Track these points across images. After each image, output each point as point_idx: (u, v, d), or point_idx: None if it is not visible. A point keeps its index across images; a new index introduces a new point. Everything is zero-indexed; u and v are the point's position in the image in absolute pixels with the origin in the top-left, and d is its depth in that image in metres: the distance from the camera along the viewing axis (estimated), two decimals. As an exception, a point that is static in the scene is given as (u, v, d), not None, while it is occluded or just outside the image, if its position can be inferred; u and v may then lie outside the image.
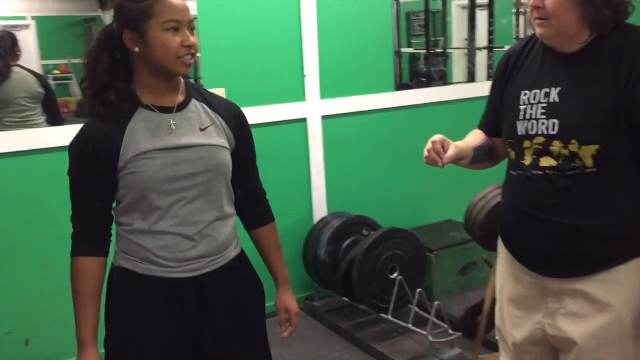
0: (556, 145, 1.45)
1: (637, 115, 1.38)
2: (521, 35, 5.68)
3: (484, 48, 5.07)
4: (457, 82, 5.33)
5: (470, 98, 3.82)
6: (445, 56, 5.48)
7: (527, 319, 1.62)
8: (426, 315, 2.95)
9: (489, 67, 4.98)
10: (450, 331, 2.83)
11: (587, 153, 1.42)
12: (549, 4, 1.41)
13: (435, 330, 2.84)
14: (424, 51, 5.11)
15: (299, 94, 3.25)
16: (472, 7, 5.28)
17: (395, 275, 3.02)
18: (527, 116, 1.51)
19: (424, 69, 4.99)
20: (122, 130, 1.43)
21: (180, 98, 1.50)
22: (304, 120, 3.27)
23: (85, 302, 1.46)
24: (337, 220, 3.21)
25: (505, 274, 1.69)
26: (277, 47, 3.15)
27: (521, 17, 5.48)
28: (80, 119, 3.03)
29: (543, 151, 1.48)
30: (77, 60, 3.23)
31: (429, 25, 5.35)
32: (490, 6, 4.86)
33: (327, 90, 3.32)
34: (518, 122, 1.53)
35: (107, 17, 3.07)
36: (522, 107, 1.53)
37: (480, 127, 1.76)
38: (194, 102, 1.52)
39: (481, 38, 5.20)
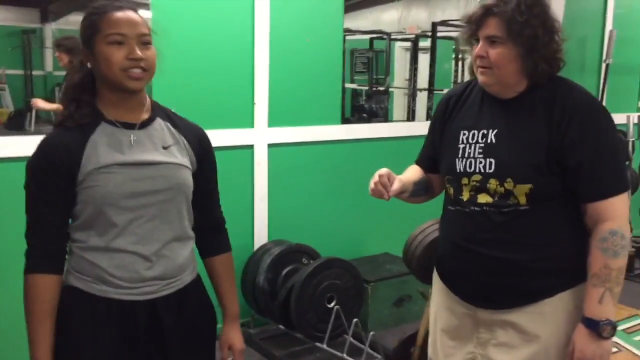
0: (493, 183, 1.55)
1: (567, 158, 1.49)
2: (459, 80, 5.96)
3: (425, 90, 5.27)
4: (397, 120, 5.51)
5: (411, 136, 3.96)
6: (387, 94, 5.68)
7: (460, 349, 1.69)
8: (361, 345, 3.00)
9: (429, 107, 5.18)
10: (384, 362, 2.89)
11: (522, 191, 1.51)
12: (492, 55, 1.52)
13: (369, 361, 2.90)
14: (366, 88, 5.28)
15: (247, 121, 3.28)
16: (415, 50, 5.50)
17: (332, 304, 3.05)
18: (466, 155, 1.60)
19: (365, 105, 5.15)
20: (83, 142, 1.41)
21: (145, 115, 1.50)
22: (251, 147, 3.30)
23: (41, 321, 1.41)
24: (278, 248, 3.24)
25: (439, 306, 1.76)
26: (229, 74, 3.18)
27: (460, 63, 5.75)
28: (10, 132, 2.98)
29: (480, 188, 1.57)
30: (12, 71, 3.15)
31: (373, 63, 5.55)
32: (432, 51, 5.07)
33: (275, 119, 3.37)
34: (457, 160, 1.62)
35: (48, 29, 3.04)
36: (461, 146, 1.62)
37: (418, 163, 1.84)
38: (158, 120, 1.52)
39: (422, 80, 5.42)
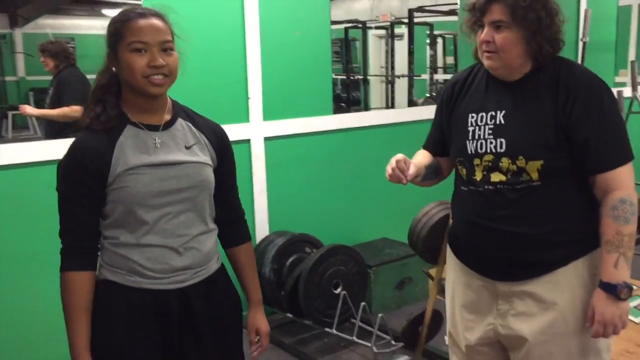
0: (505, 162, 1.62)
1: (574, 135, 1.57)
2: (438, 64, 6.06)
3: (404, 76, 5.34)
4: (376, 108, 5.59)
5: (401, 122, 4.06)
6: (366, 83, 5.74)
7: (480, 322, 1.76)
8: (369, 328, 3.08)
9: (410, 94, 5.26)
10: (393, 342, 2.97)
11: (533, 168, 1.59)
12: (498, 40, 1.59)
13: (379, 342, 2.98)
14: (343, 77, 5.34)
15: (243, 116, 3.33)
16: (392, 38, 5.57)
17: (339, 290, 3.13)
18: (476, 136, 1.68)
19: (343, 95, 5.21)
20: (112, 145, 1.47)
21: (167, 117, 1.56)
22: (247, 141, 3.35)
23: (78, 316, 1.47)
24: (281, 239, 3.30)
25: (456, 282, 1.84)
26: (223, 70, 3.23)
27: (437, 48, 5.84)
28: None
29: (493, 167, 1.64)
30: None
31: (351, 53, 5.60)
32: (410, 37, 5.13)
33: (270, 113, 3.42)
34: (468, 142, 1.69)
35: (18, 34, 3.04)
36: (470, 129, 1.69)
37: (426, 148, 1.91)
38: (180, 121, 1.58)
39: (398, 67, 5.49)
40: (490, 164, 1.65)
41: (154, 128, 1.53)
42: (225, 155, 1.66)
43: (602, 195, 1.60)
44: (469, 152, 1.69)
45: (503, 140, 1.63)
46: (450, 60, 6.40)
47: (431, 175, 1.85)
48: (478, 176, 1.67)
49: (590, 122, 1.57)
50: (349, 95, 5.59)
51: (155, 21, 1.47)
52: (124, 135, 1.49)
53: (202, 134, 1.60)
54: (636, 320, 3.45)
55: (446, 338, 1.96)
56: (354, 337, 3.01)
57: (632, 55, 6.00)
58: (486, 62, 1.65)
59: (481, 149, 1.66)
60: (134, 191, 1.47)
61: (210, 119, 1.68)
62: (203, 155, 1.58)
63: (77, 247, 1.49)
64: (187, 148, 1.55)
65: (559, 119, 1.58)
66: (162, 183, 1.49)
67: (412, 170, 1.65)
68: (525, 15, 1.56)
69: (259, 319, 1.75)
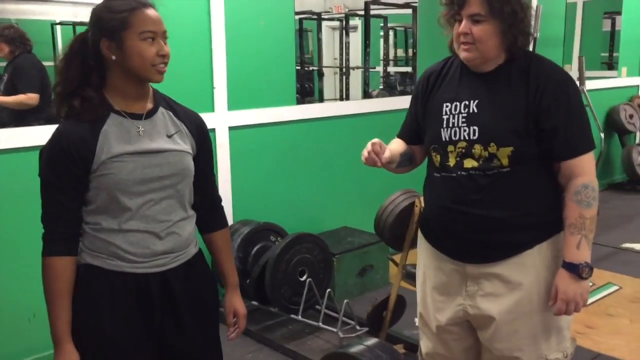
0: (477, 148, 1.71)
1: (543, 123, 1.68)
2: (390, 57, 6.16)
3: (359, 68, 5.41)
4: (330, 99, 5.65)
5: (364, 113, 4.13)
6: (321, 74, 5.80)
7: (450, 303, 1.85)
8: (334, 314, 3.16)
9: (366, 85, 5.34)
10: (358, 327, 3.06)
11: (504, 154, 1.69)
12: (476, 32, 1.68)
13: (344, 328, 3.05)
14: (297, 68, 5.38)
15: (208, 105, 3.34)
16: (346, 30, 5.63)
17: (304, 278, 3.19)
18: (450, 125, 1.76)
19: (297, 85, 5.26)
20: (96, 133, 1.49)
21: (149, 106, 1.59)
22: (212, 130, 3.35)
23: (60, 300, 1.50)
24: (246, 228, 3.33)
25: (428, 267, 1.92)
26: (188, 60, 3.22)
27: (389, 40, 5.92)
28: None
29: (465, 154, 1.73)
30: None
31: (304, 44, 5.64)
32: (366, 30, 5.20)
33: (235, 103, 3.44)
34: (442, 130, 1.77)
35: None
36: (445, 117, 1.77)
37: (401, 136, 1.99)
38: (161, 109, 1.61)
39: (352, 58, 5.56)
40: (463, 150, 1.73)
41: (137, 117, 1.55)
42: (204, 144, 1.70)
43: (566, 181, 1.70)
44: (443, 139, 1.77)
45: (476, 128, 1.72)
46: (400, 52, 6.54)
47: (405, 162, 1.93)
48: (451, 162, 1.75)
49: (558, 111, 1.67)
50: (302, 86, 5.65)
51: (157, 13, 1.52)
52: (108, 124, 1.51)
53: (183, 122, 1.63)
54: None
55: (416, 320, 2.05)
56: (320, 323, 3.08)
57: (577, 51, 6.27)
58: (462, 54, 1.73)
59: (455, 136, 1.74)
60: (118, 178, 1.49)
61: (189, 108, 1.71)
62: (184, 144, 1.61)
63: (60, 232, 1.51)
64: (169, 137, 1.59)
65: (529, 107, 1.68)
66: (145, 170, 1.53)
67: (386, 154, 1.73)
68: (502, 8, 1.65)
69: (236, 302, 1.80)
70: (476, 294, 1.80)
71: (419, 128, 1.90)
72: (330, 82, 5.80)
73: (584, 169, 1.68)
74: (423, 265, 1.95)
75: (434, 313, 1.90)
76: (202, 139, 1.68)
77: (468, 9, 1.67)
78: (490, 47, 1.69)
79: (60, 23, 3.29)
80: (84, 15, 2.91)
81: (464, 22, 1.69)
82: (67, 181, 1.48)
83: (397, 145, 1.93)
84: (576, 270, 1.67)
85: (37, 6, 3.47)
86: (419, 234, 1.98)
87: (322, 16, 5.78)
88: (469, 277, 1.80)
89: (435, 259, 1.88)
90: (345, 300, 3.05)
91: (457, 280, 1.83)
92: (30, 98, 3.03)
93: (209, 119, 3.31)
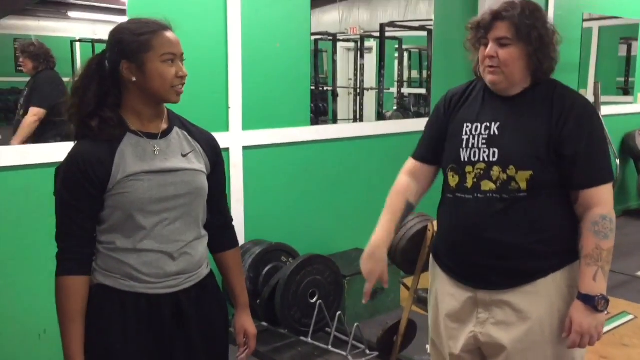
0: (496, 170, 1.70)
1: (564, 149, 1.67)
2: (404, 78, 6.18)
3: (373, 89, 5.43)
4: (343, 119, 5.67)
5: (378, 135, 4.14)
6: (335, 95, 5.83)
7: (462, 330, 1.83)
8: (344, 337, 3.13)
9: (380, 106, 5.35)
10: (368, 351, 3.03)
11: (523, 178, 1.67)
12: (502, 55, 1.68)
13: (354, 351, 3.03)
14: (312, 88, 5.40)
15: (222, 125, 3.36)
16: (361, 51, 5.66)
17: (315, 299, 3.17)
18: (470, 145, 1.75)
19: (311, 105, 5.28)
20: (112, 153, 1.51)
21: (164, 126, 1.60)
22: (226, 150, 3.37)
23: (74, 320, 1.50)
24: (258, 248, 3.32)
25: (441, 292, 1.89)
26: (204, 80, 3.25)
27: (404, 62, 5.94)
28: None
29: (484, 176, 1.71)
30: None
31: (318, 64, 5.68)
32: (381, 51, 5.23)
33: (249, 123, 3.46)
34: (462, 150, 1.76)
35: None
36: (464, 137, 1.77)
37: (416, 157, 1.95)
38: (176, 129, 1.62)
39: (366, 79, 5.58)
40: (481, 172, 1.72)
41: (152, 136, 1.57)
42: (218, 164, 1.71)
43: (584, 211, 1.69)
44: (462, 159, 1.75)
45: (496, 150, 1.71)
46: (415, 74, 6.56)
47: (404, 217, 1.93)
48: (469, 184, 1.74)
49: (580, 140, 1.66)
50: (317, 107, 5.68)
51: (174, 34, 1.55)
52: (124, 143, 1.53)
53: (197, 142, 1.65)
54: (599, 331, 3.57)
55: (428, 347, 2.02)
56: (329, 346, 3.05)
57: (592, 76, 6.25)
58: (488, 77, 1.73)
59: (474, 157, 1.73)
60: (134, 197, 1.50)
61: (203, 128, 1.72)
62: (198, 163, 1.62)
63: (74, 252, 1.51)
64: (184, 156, 1.60)
65: (551, 132, 1.67)
66: (161, 189, 1.54)
67: (385, 277, 1.83)
68: (529, 33, 1.66)
69: (247, 322, 1.80)
70: (487, 322, 1.78)
71: (437, 147, 1.87)
72: (344, 103, 5.82)
73: (603, 199, 1.67)
74: (435, 290, 1.93)
75: (447, 341, 1.88)
76: (216, 158, 1.70)
77: (495, 32, 1.68)
78: (516, 71, 1.69)
79: (80, 40, 3.34)
80: (102, 32, 2.96)
81: (490, 45, 1.69)
82: (82, 201, 1.49)
83: (390, 213, 1.89)
84: (592, 303, 1.65)
85: (57, 23, 3.52)
86: (431, 258, 1.97)
87: (338, 37, 5.83)
88: (480, 303, 1.78)
89: (447, 285, 1.86)
90: (356, 324, 3.03)
91: (469, 307, 1.81)
92: (35, 114, 3.03)
93: (224, 139, 3.35)
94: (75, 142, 1.55)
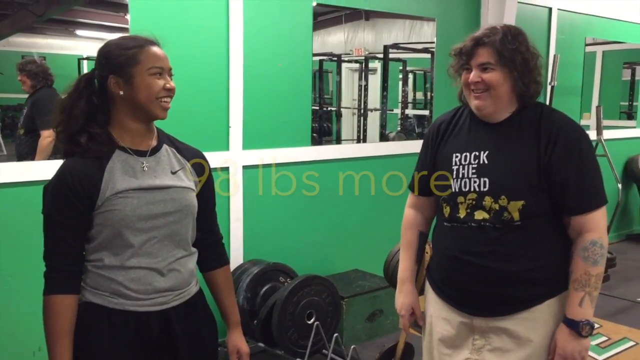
0: (488, 201, 1.69)
1: (554, 175, 1.65)
2: (409, 99, 6.20)
3: (377, 110, 5.45)
4: (347, 140, 5.68)
5: (380, 156, 4.14)
6: (339, 115, 5.85)
7: (456, 356, 1.81)
8: (340, 359, 3.10)
9: (383, 127, 5.36)
10: (364, 374, 3.00)
11: (515, 207, 1.66)
12: (487, 78, 1.68)
13: (350, 374, 3.00)
14: (316, 108, 5.43)
15: (223, 144, 3.37)
16: (366, 72, 5.69)
17: (312, 321, 3.15)
18: (460, 175, 1.74)
19: (315, 125, 5.30)
20: (101, 169, 1.51)
21: (154, 143, 1.61)
22: (226, 169, 3.38)
23: (61, 339, 1.49)
24: (256, 268, 3.31)
25: (434, 317, 1.88)
26: (205, 99, 3.26)
27: (409, 83, 5.99)
28: None
29: (476, 206, 1.71)
30: None
31: (324, 85, 5.71)
32: (384, 72, 5.25)
33: (250, 142, 3.46)
34: (452, 181, 1.75)
35: None
36: (454, 168, 1.76)
37: (412, 188, 1.96)
38: (165, 147, 1.63)
39: (370, 100, 5.61)
40: (473, 202, 1.71)
41: (141, 153, 1.57)
42: (207, 182, 1.71)
43: (576, 235, 1.68)
44: (453, 190, 1.75)
45: (486, 179, 1.70)
46: (419, 95, 6.58)
47: (421, 247, 1.97)
48: (462, 213, 1.73)
49: (570, 164, 1.65)
50: (320, 126, 5.70)
51: (161, 49, 1.56)
52: (113, 160, 1.53)
53: (186, 159, 1.65)
54: (599, 358, 3.55)
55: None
56: (326, 368, 3.02)
57: (595, 100, 6.25)
58: (474, 103, 1.72)
59: (465, 187, 1.73)
60: (123, 214, 1.50)
61: (191, 145, 1.73)
62: (187, 181, 1.63)
63: (62, 271, 1.51)
64: (173, 173, 1.60)
65: (541, 159, 1.66)
66: (150, 207, 1.53)
67: (418, 312, 1.95)
68: (513, 57, 1.66)
69: (239, 340, 1.79)
70: (483, 349, 1.76)
71: (429, 178, 1.87)
72: (348, 123, 5.84)
73: (595, 225, 1.66)
74: (430, 315, 1.92)
75: None
76: (205, 176, 1.70)
77: (477, 58, 1.69)
78: (503, 92, 1.69)
79: (87, 58, 3.37)
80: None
81: (473, 72, 1.69)
82: (71, 218, 1.49)
83: (408, 250, 1.97)
84: (576, 328, 1.64)
85: (64, 41, 3.56)
86: (427, 283, 1.95)
87: (342, 58, 5.86)
88: (476, 330, 1.77)
89: (442, 310, 1.85)
90: (353, 346, 3.01)
91: (464, 333, 1.79)
92: (49, 135, 3.04)
93: (224, 158, 3.36)
94: (64, 159, 1.55)
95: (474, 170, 1.72)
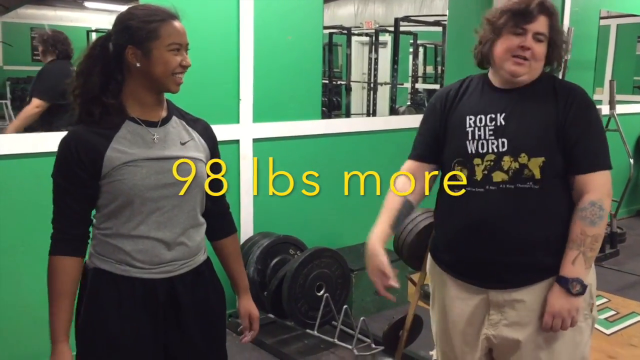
0: (506, 160, 1.67)
1: (568, 132, 1.67)
2: (419, 73, 6.15)
3: (386, 84, 5.40)
4: (356, 114, 5.65)
5: (390, 130, 4.12)
6: (349, 89, 5.82)
7: (475, 335, 1.80)
8: (350, 331, 3.14)
9: (393, 101, 5.33)
10: (374, 345, 3.03)
11: (535, 164, 1.65)
12: (536, 49, 1.67)
13: (359, 345, 3.03)
14: (325, 81, 5.39)
15: (233, 117, 3.37)
16: (376, 45, 5.63)
17: (322, 292, 3.18)
18: (476, 137, 1.72)
19: (325, 99, 5.27)
20: (109, 139, 1.52)
21: (164, 114, 1.62)
22: (236, 142, 3.38)
23: (62, 300, 1.52)
24: (266, 240, 3.33)
25: (448, 298, 1.84)
26: (215, 71, 3.25)
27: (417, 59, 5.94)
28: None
29: (494, 167, 1.68)
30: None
31: (333, 58, 5.67)
32: (395, 46, 5.20)
33: (260, 115, 3.46)
34: (468, 142, 1.72)
35: None
36: (469, 130, 1.73)
37: (415, 157, 1.88)
38: (174, 118, 1.64)
39: (380, 74, 5.56)
40: (492, 163, 1.69)
41: (151, 124, 1.58)
42: (215, 151, 1.73)
43: (578, 197, 1.68)
44: (470, 152, 1.72)
45: (505, 140, 1.69)
46: (430, 69, 6.53)
47: (402, 219, 1.85)
48: (479, 176, 1.70)
49: (582, 124, 1.67)
50: (330, 100, 5.67)
51: (181, 24, 1.55)
52: (123, 130, 1.54)
53: (195, 131, 1.67)
54: (607, 331, 3.57)
55: (431, 353, 1.98)
56: (335, 340, 3.06)
57: (608, 74, 6.18)
58: (513, 68, 1.69)
59: (482, 149, 1.71)
60: (131, 183, 1.51)
61: (199, 117, 1.74)
62: (197, 152, 1.64)
63: (67, 233, 1.54)
64: (182, 144, 1.61)
65: (558, 117, 1.67)
66: (159, 176, 1.55)
67: (391, 274, 1.74)
68: (557, 33, 1.70)
69: (249, 305, 1.83)
70: (499, 323, 1.75)
71: (436, 145, 1.83)
72: (358, 97, 5.81)
73: (596, 186, 1.66)
74: (441, 298, 1.87)
75: (463, 346, 1.83)
76: (213, 147, 1.71)
77: (535, 25, 1.67)
78: (540, 67, 1.72)
79: (96, 30, 3.36)
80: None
81: (528, 37, 1.67)
82: (74, 183, 1.51)
83: (388, 212, 1.82)
84: (565, 285, 1.64)
85: (73, 13, 3.54)
86: (432, 262, 1.92)
87: (352, 31, 5.81)
88: (492, 304, 1.75)
89: (456, 289, 1.82)
90: (362, 318, 3.03)
91: (480, 309, 1.77)
92: (37, 105, 3.01)
93: (234, 131, 3.37)
94: (76, 124, 1.56)
95: (491, 132, 1.71)
